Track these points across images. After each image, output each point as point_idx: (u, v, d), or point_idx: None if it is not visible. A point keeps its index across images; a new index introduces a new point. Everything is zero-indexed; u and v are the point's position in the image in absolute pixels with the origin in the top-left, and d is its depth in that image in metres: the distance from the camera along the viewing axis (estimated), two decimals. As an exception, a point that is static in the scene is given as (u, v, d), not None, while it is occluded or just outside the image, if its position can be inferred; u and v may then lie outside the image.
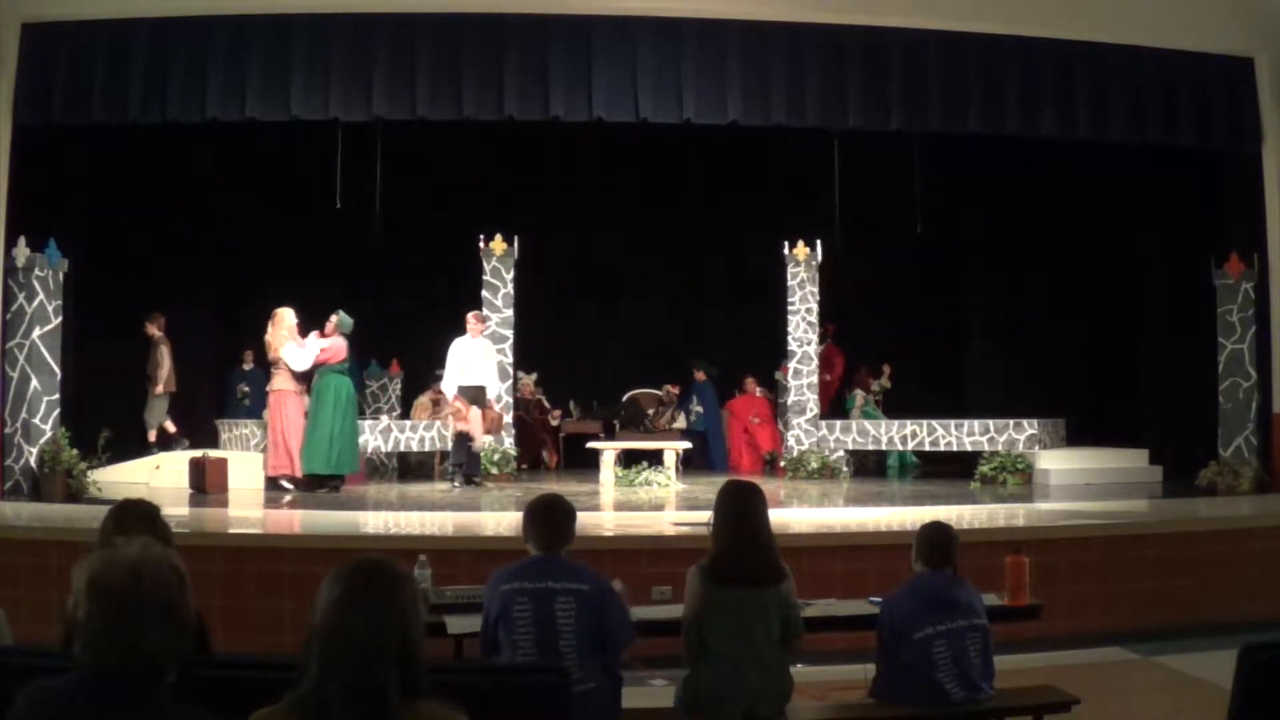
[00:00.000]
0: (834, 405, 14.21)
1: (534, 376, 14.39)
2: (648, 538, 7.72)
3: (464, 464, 11.27)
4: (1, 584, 6.64)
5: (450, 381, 11.40)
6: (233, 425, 12.40)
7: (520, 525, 4.41)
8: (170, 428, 12.47)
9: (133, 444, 11.93)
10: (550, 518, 4.30)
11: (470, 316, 11.54)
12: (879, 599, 4.84)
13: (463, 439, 11.23)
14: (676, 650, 4.45)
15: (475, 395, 11.35)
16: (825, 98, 11.22)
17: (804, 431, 12.80)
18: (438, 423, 12.30)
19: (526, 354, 13.48)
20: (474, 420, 11.14)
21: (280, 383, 10.68)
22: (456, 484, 11.19)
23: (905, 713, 4.46)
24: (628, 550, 7.15)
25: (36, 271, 10.40)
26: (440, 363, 11.78)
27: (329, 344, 10.68)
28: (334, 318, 10.85)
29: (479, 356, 11.46)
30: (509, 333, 12.49)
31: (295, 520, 9.22)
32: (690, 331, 14.87)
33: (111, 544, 2.32)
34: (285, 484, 10.56)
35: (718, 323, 14.86)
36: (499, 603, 4.11)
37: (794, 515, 9.23)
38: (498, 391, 11.77)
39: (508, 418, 12.36)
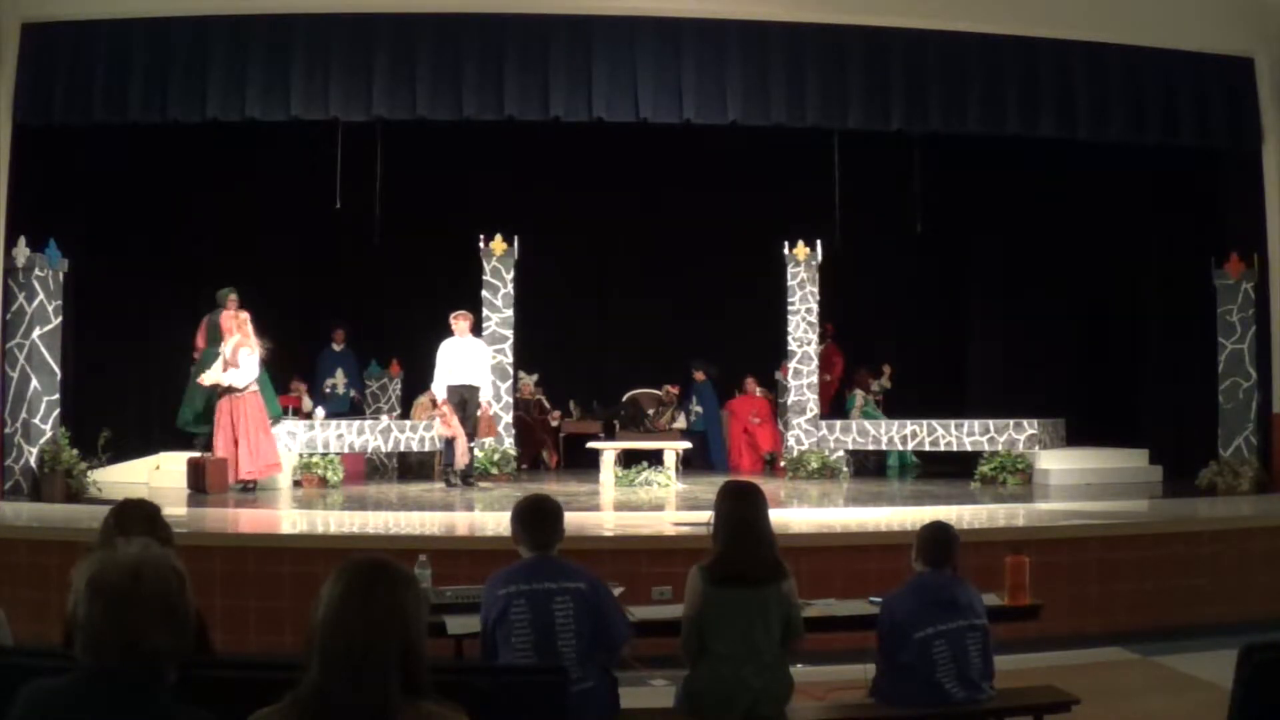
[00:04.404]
0: (834, 405, 14.21)
1: (534, 376, 14.39)
2: (648, 538, 7.71)
3: (454, 464, 11.29)
4: (1, 584, 6.64)
5: (439, 383, 11.42)
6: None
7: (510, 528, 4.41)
8: None
9: (133, 444, 11.93)
10: (539, 518, 4.29)
11: (452, 317, 11.53)
12: (879, 599, 4.84)
13: (450, 442, 11.27)
14: (676, 650, 4.45)
15: (465, 395, 11.35)
16: (825, 98, 11.22)
17: (804, 431, 12.80)
18: (435, 423, 12.30)
19: (526, 354, 13.47)
20: (455, 423, 11.16)
21: (255, 383, 10.67)
22: (455, 484, 11.20)
23: (905, 713, 4.46)
24: (628, 550, 7.15)
25: (36, 271, 10.41)
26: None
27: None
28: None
29: (469, 356, 11.44)
30: (509, 333, 12.48)
31: (293, 520, 9.22)
32: (690, 331, 14.86)
33: (111, 544, 2.31)
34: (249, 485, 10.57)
35: (718, 323, 14.85)
36: (497, 606, 4.10)
37: (794, 515, 9.23)
38: (491, 392, 11.74)
39: (507, 418, 12.36)
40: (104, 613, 2.14)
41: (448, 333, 11.54)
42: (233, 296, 11.14)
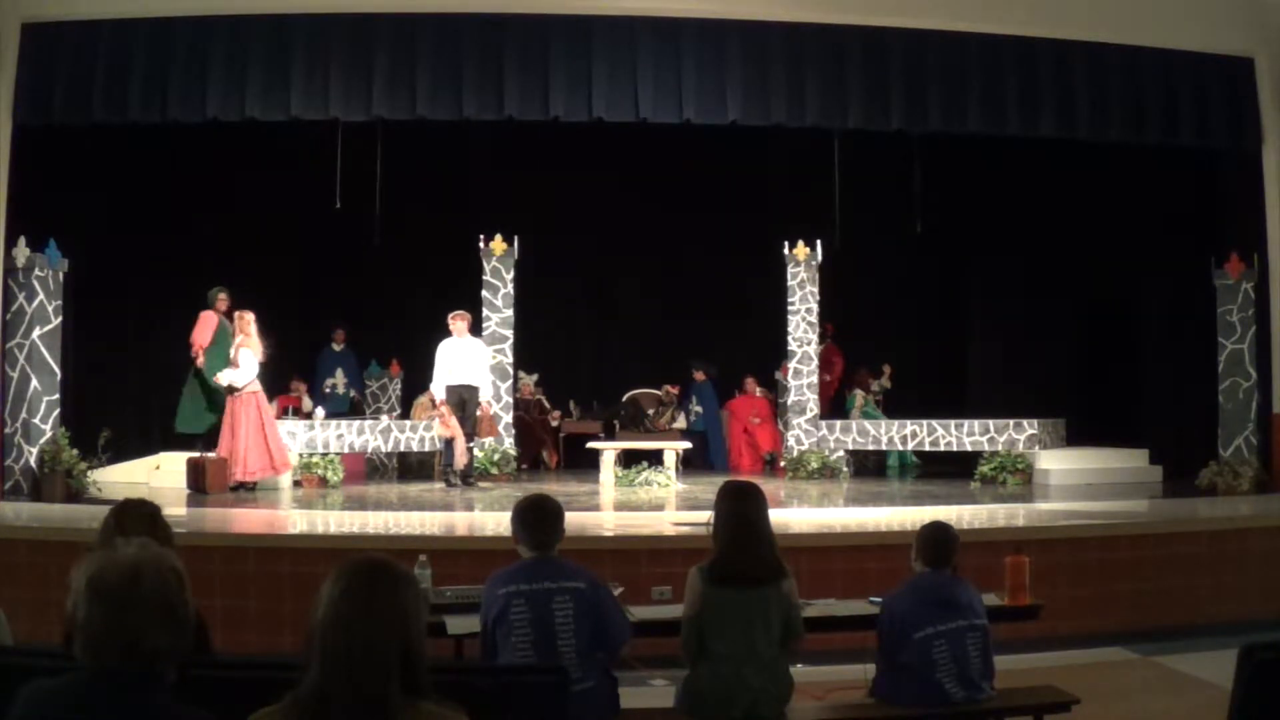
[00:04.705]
0: (834, 405, 14.21)
1: (534, 377, 14.39)
2: (648, 538, 7.71)
3: (453, 464, 11.31)
4: (1, 584, 6.64)
5: (437, 383, 11.44)
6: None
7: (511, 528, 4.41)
8: None
9: (133, 444, 11.94)
10: (540, 518, 4.29)
11: (450, 317, 11.53)
12: (879, 599, 4.84)
13: (449, 443, 11.29)
14: (676, 650, 4.45)
15: (464, 395, 11.35)
16: (825, 98, 11.23)
17: (804, 431, 12.80)
18: (435, 423, 12.31)
19: (526, 354, 13.48)
20: (454, 423, 11.18)
21: (255, 383, 10.67)
22: (455, 484, 11.21)
23: (905, 713, 4.46)
24: (628, 550, 7.15)
25: (36, 271, 10.41)
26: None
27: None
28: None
29: (468, 356, 11.45)
30: (509, 333, 12.49)
31: (293, 520, 9.22)
32: (690, 331, 14.86)
33: (111, 544, 2.31)
34: (249, 484, 10.57)
35: (718, 322, 14.86)
36: (496, 606, 4.11)
37: (794, 515, 9.23)
38: (491, 392, 11.75)
39: (507, 418, 12.36)
40: (104, 613, 2.14)
41: (447, 333, 11.54)
42: (222, 295, 11.13)
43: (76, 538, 6.67)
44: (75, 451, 10.34)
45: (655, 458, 12.14)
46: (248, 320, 10.67)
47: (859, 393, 14.22)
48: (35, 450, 10.30)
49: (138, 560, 2.19)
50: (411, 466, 13.34)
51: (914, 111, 11.29)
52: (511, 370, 12.68)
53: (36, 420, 10.36)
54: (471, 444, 11.45)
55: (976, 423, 12.35)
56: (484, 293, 12.48)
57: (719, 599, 4.29)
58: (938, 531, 4.64)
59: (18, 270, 10.39)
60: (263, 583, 6.79)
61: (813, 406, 12.92)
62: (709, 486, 9.91)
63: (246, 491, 10.45)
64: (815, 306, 12.92)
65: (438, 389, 11.46)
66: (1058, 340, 14.35)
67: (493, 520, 8.53)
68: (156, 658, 2.16)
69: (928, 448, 12.72)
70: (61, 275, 10.65)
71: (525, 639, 4.03)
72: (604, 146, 13.13)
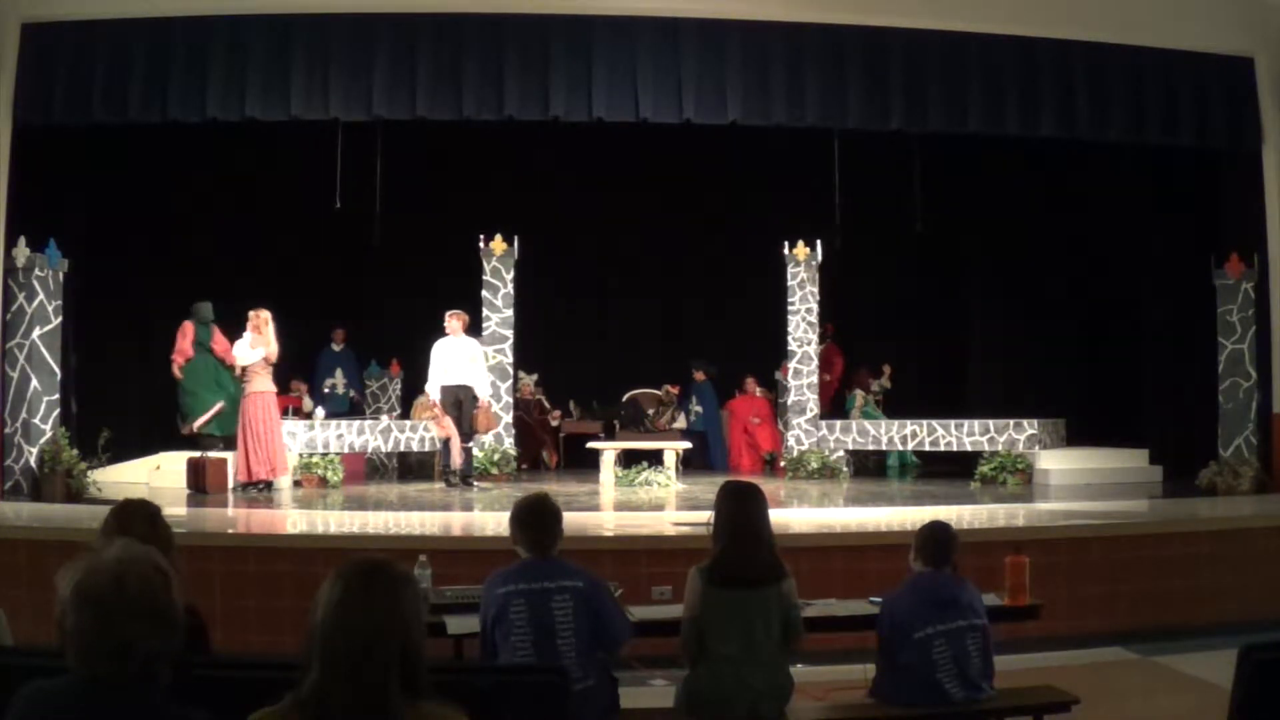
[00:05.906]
0: (834, 405, 14.21)
1: (534, 376, 14.39)
2: (648, 538, 7.71)
3: (450, 465, 11.30)
4: (1, 584, 6.63)
5: (433, 383, 11.40)
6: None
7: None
8: None
9: (133, 444, 11.93)
10: (538, 520, 4.29)
11: (447, 316, 11.50)
12: (879, 599, 4.84)
13: (446, 443, 11.28)
14: (676, 650, 4.46)
15: (459, 396, 11.33)
16: (825, 98, 11.22)
17: (804, 431, 12.80)
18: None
19: (526, 354, 13.48)
20: (449, 424, 11.17)
21: (264, 384, 10.68)
22: (455, 484, 11.20)
23: (905, 713, 4.46)
24: (628, 550, 7.15)
25: (36, 271, 10.41)
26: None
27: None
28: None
29: (462, 356, 11.42)
30: (509, 333, 12.49)
31: (293, 520, 9.22)
32: (690, 331, 14.86)
33: (92, 548, 2.30)
34: (261, 485, 10.55)
35: (718, 323, 14.85)
36: (495, 606, 4.11)
37: (794, 515, 9.23)
38: (488, 392, 11.73)
39: (507, 418, 12.35)
40: (92, 620, 2.13)
41: (445, 333, 11.52)
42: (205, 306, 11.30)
43: (76, 538, 6.65)
44: (75, 451, 10.35)
45: (655, 458, 12.14)
46: (264, 318, 10.66)
47: (859, 393, 14.22)
48: (35, 450, 10.30)
49: (121, 563, 2.18)
50: (411, 466, 13.34)
51: (914, 111, 11.29)
52: (511, 370, 12.68)
53: (36, 420, 10.37)
54: (469, 443, 11.44)
55: (976, 423, 12.35)
56: (484, 293, 12.48)
57: (719, 599, 4.29)
58: (937, 531, 4.65)
59: (18, 270, 10.38)
60: (263, 583, 6.79)
61: (813, 406, 12.92)
62: (709, 486, 9.90)
63: (251, 491, 10.44)
64: (815, 306, 12.92)
65: (433, 389, 11.42)
66: (1058, 340, 14.34)
67: (492, 520, 8.53)
68: (148, 660, 2.15)
69: (928, 448, 12.71)
70: (61, 275, 10.65)
71: (525, 639, 4.03)
72: (604, 146, 13.13)
